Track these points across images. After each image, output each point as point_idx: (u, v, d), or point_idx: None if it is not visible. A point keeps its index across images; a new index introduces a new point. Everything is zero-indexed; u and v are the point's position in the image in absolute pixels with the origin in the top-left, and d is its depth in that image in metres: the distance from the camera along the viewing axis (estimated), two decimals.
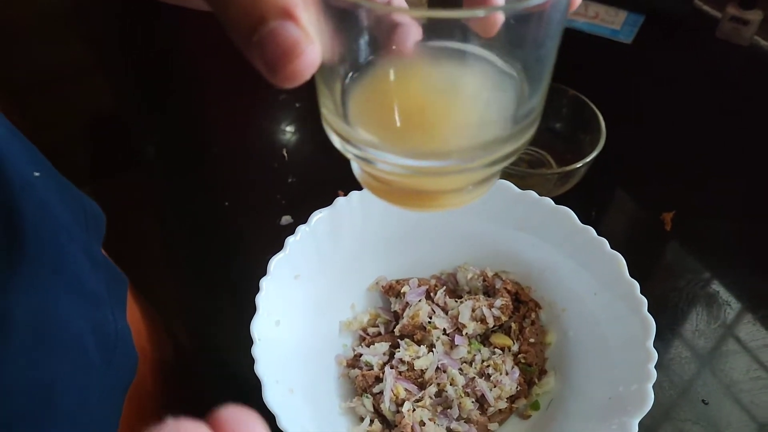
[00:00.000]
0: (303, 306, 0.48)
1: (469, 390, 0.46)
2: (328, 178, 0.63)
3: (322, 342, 0.49)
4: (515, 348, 0.49)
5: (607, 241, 0.46)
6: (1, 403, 0.32)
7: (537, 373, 0.48)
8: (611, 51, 0.83)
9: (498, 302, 0.49)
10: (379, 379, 0.47)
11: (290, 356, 0.45)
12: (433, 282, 0.52)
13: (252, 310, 0.43)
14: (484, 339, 0.50)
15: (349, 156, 0.23)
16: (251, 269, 0.47)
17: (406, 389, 0.46)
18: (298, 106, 0.77)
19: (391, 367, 0.47)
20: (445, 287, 0.52)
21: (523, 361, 0.48)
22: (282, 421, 0.38)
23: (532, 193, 0.49)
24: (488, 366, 0.47)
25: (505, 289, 0.50)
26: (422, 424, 0.44)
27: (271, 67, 0.18)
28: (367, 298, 0.53)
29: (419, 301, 0.50)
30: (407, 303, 0.50)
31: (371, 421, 0.45)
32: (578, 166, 0.56)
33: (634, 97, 0.77)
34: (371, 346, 0.49)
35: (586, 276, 0.48)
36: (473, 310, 0.49)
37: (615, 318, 0.45)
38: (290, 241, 0.47)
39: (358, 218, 0.50)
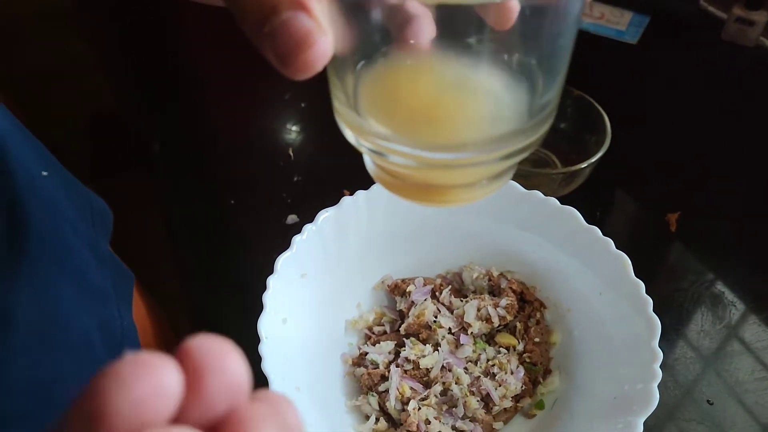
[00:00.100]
0: (309, 304, 0.48)
1: (474, 389, 0.46)
2: (334, 177, 0.63)
3: (328, 340, 0.49)
4: (520, 347, 0.49)
5: (612, 241, 0.46)
6: (3, 400, 0.32)
7: (542, 372, 0.48)
8: (616, 51, 0.83)
9: (503, 302, 0.49)
10: (384, 378, 0.47)
11: (296, 354, 0.45)
12: (438, 281, 0.53)
13: (257, 308, 0.43)
14: (490, 338, 0.50)
15: (362, 150, 0.23)
16: (257, 268, 0.48)
17: (411, 388, 0.46)
18: (304, 106, 0.77)
19: (397, 366, 0.47)
20: (450, 286, 0.52)
21: (528, 360, 0.48)
22: None
23: (538, 193, 0.49)
24: (493, 365, 0.47)
25: (511, 288, 0.50)
26: (427, 422, 0.44)
27: (282, 57, 0.18)
28: (373, 297, 0.53)
29: (425, 300, 0.50)
30: (413, 302, 0.51)
31: (377, 420, 0.46)
32: (583, 166, 0.56)
33: (640, 98, 0.77)
34: (377, 344, 0.49)
35: (592, 276, 0.48)
36: (478, 310, 0.49)
37: (620, 318, 0.45)
38: (297, 239, 0.47)
39: (364, 217, 0.50)
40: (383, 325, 0.52)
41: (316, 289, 0.48)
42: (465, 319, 0.49)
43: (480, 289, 0.53)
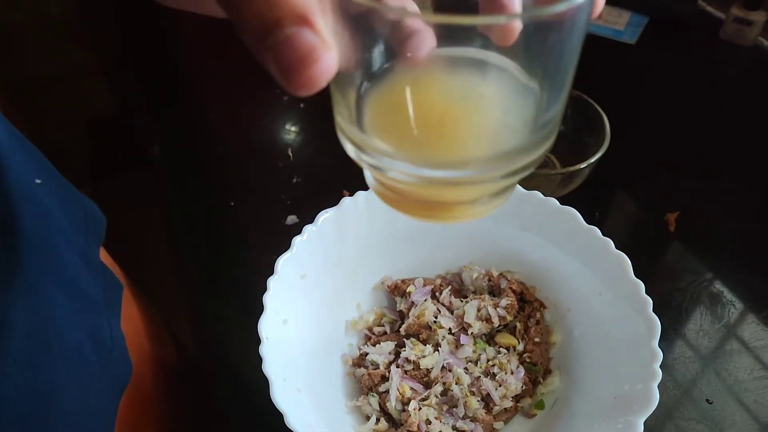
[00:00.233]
0: (309, 305, 0.48)
1: (474, 389, 0.46)
2: (333, 178, 0.63)
3: (328, 341, 0.49)
4: (520, 347, 0.49)
5: (612, 242, 0.47)
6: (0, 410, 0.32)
7: (542, 372, 0.48)
8: (615, 52, 0.83)
9: (503, 302, 0.49)
10: (385, 378, 0.47)
11: (297, 355, 0.45)
12: (438, 282, 0.53)
13: (257, 309, 0.44)
14: (490, 338, 0.50)
15: (363, 165, 0.23)
16: (257, 269, 0.48)
17: (411, 388, 0.46)
18: (303, 107, 0.78)
19: (397, 366, 0.47)
20: (450, 287, 0.52)
21: (528, 360, 0.48)
22: (289, 420, 0.38)
23: (538, 194, 0.49)
24: (493, 365, 0.47)
25: (510, 288, 0.50)
26: (428, 422, 0.44)
27: (286, 73, 0.18)
28: (373, 298, 0.53)
29: (425, 300, 0.50)
30: (413, 302, 0.51)
31: (377, 420, 0.46)
32: (582, 166, 0.57)
33: (638, 98, 0.77)
34: (377, 345, 0.49)
35: (591, 276, 0.48)
36: (478, 310, 0.49)
37: (620, 318, 0.45)
38: (297, 240, 0.47)
39: (364, 218, 0.50)
40: (383, 326, 0.52)
41: (316, 289, 0.49)
42: (465, 320, 0.49)
43: (480, 289, 0.53)
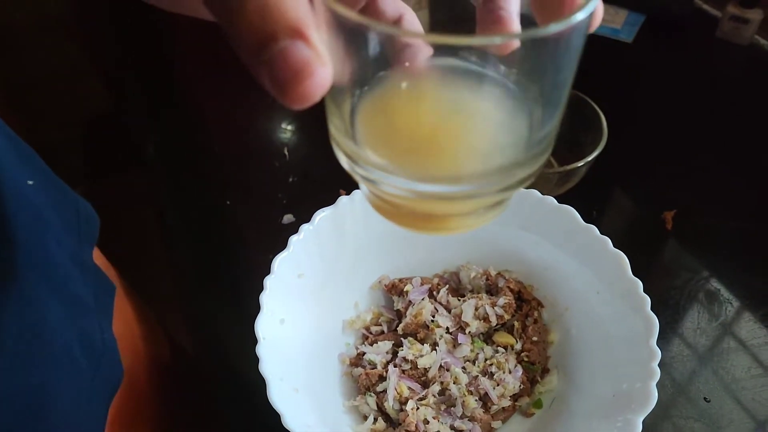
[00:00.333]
0: (306, 305, 0.48)
1: (472, 388, 0.46)
2: (330, 177, 0.62)
3: (325, 340, 0.49)
4: (518, 346, 0.49)
5: (609, 240, 0.46)
6: None
7: (540, 371, 0.48)
8: (612, 50, 0.83)
9: (501, 301, 0.49)
10: (382, 378, 0.47)
11: (294, 355, 0.45)
12: (435, 281, 0.53)
13: (254, 309, 0.43)
14: (487, 337, 0.50)
15: (356, 178, 0.23)
16: (253, 268, 0.48)
17: (409, 388, 0.46)
18: None
19: (395, 366, 0.47)
20: (447, 286, 0.52)
21: (526, 359, 0.48)
22: (287, 420, 0.38)
23: (535, 192, 0.49)
24: (491, 364, 0.47)
25: (508, 287, 0.50)
26: (426, 422, 0.44)
27: (280, 87, 0.17)
28: (370, 297, 0.53)
29: (422, 299, 0.50)
30: (410, 302, 0.50)
31: (375, 420, 0.46)
32: (580, 165, 0.56)
33: (635, 97, 0.77)
34: (374, 344, 0.49)
35: (589, 274, 0.48)
36: (476, 309, 0.49)
37: (618, 316, 0.45)
38: (294, 240, 0.47)
39: (361, 217, 0.50)
40: (381, 325, 0.52)
41: (313, 289, 0.48)
42: (463, 319, 0.49)
43: (477, 288, 0.53)
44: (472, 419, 0.45)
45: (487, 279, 0.52)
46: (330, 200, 0.49)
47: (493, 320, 0.49)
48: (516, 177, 0.22)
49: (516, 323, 0.50)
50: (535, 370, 0.48)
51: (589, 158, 0.57)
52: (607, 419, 0.41)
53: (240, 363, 0.51)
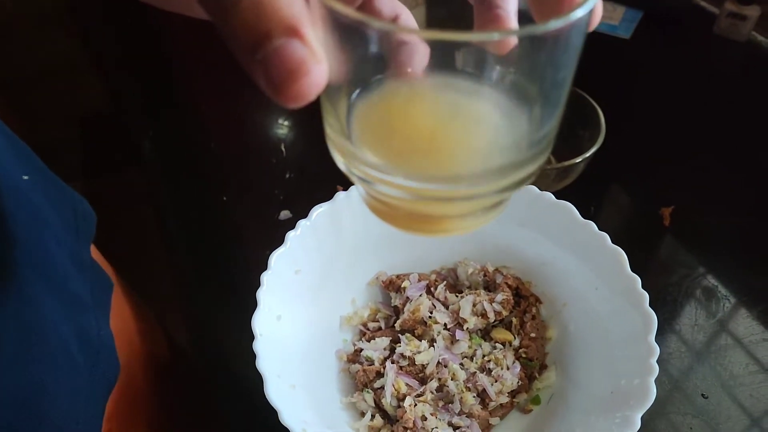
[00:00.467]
0: (303, 301, 0.47)
1: (470, 385, 0.46)
2: (326, 173, 0.62)
3: (322, 337, 0.49)
4: (516, 343, 0.49)
5: (608, 236, 0.46)
6: None
7: (538, 367, 0.48)
8: (610, 46, 0.83)
9: (499, 297, 0.49)
10: (380, 374, 0.47)
11: (291, 351, 0.44)
12: (433, 277, 0.52)
13: (251, 305, 0.43)
14: (485, 334, 0.50)
15: (353, 179, 0.22)
16: (250, 264, 0.47)
17: (407, 384, 0.46)
18: None
19: (392, 362, 0.47)
20: (445, 282, 0.52)
21: (524, 355, 0.48)
22: (284, 417, 0.38)
23: (533, 188, 0.49)
24: (489, 361, 0.47)
25: (506, 283, 0.50)
26: (424, 418, 0.44)
27: (275, 86, 0.17)
28: (368, 293, 0.53)
29: (420, 296, 0.50)
30: (408, 298, 0.50)
31: (372, 416, 0.45)
32: (577, 161, 0.56)
33: (632, 93, 0.77)
34: (372, 341, 0.49)
35: (587, 271, 0.48)
36: (474, 305, 0.49)
37: (616, 313, 0.45)
38: (291, 236, 0.47)
39: (358, 213, 0.50)
40: (378, 321, 0.51)
41: (310, 285, 0.48)
42: (460, 315, 0.48)
43: (475, 284, 0.52)
44: (470, 415, 0.45)
45: (484, 275, 0.52)
46: (327, 196, 0.49)
47: (491, 316, 0.48)
48: (515, 177, 0.21)
49: (514, 319, 0.50)
50: (533, 366, 0.48)
51: (587, 154, 0.57)
52: (606, 415, 0.40)
53: (237, 359, 0.51)
